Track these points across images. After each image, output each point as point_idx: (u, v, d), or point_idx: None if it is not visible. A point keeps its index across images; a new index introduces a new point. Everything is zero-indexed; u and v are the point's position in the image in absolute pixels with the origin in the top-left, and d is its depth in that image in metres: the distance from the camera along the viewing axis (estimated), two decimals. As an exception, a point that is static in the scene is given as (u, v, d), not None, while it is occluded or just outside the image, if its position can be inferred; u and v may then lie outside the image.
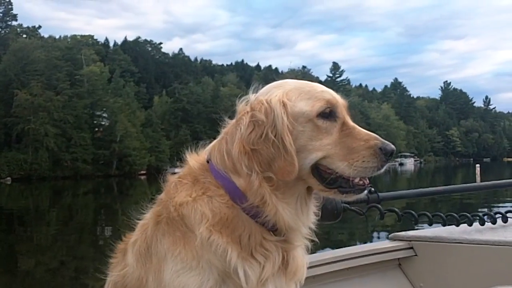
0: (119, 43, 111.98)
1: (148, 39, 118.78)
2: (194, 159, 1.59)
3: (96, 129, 76.07)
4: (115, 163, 73.12)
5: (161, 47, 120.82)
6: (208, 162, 1.54)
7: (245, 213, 1.45)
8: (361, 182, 1.48)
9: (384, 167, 1.44)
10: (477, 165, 35.25)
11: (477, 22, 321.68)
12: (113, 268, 1.66)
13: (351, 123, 1.51)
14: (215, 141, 1.57)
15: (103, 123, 76.87)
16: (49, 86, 67.84)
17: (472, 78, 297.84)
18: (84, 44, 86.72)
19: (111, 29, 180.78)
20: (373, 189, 2.76)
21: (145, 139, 77.48)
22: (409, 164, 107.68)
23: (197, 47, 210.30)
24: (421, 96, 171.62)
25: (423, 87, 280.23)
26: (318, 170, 1.47)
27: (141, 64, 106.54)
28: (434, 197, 18.30)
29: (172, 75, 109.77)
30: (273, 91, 1.52)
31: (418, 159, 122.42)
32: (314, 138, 1.45)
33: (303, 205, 1.51)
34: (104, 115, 76.16)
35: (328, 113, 1.47)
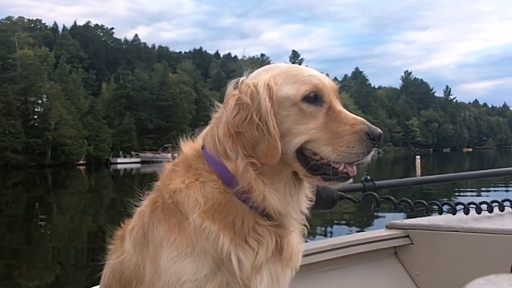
0: (69, 27, 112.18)
1: (99, 24, 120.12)
2: (189, 146, 1.65)
3: (31, 116, 74.48)
4: (50, 153, 72.20)
5: (113, 33, 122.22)
6: (203, 148, 1.60)
7: (237, 198, 1.51)
8: (345, 170, 1.52)
9: (371, 153, 1.49)
10: (417, 157, 36.36)
11: (441, 13, 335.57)
12: (111, 255, 1.72)
13: (338, 107, 1.55)
14: (208, 126, 1.63)
15: (37, 110, 75.30)
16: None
17: (436, 69, 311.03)
18: (21, 27, 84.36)
19: (74, 16, 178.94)
20: (369, 177, 2.91)
21: (83, 127, 76.78)
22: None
23: (163, 36, 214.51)
24: (384, 86, 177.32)
25: (389, 77, 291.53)
26: (303, 155, 1.52)
27: (91, 50, 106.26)
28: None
29: (124, 62, 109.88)
30: (261, 75, 1.58)
31: (376, 149, 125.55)
32: (299, 122, 1.51)
33: (292, 190, 1.56)
34: (39, 101, 74.57)
35: (313, 97, 1.52)
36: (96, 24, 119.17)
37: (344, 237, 3.06)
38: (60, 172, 59.72)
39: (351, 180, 1.56)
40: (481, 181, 27.95)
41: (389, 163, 76.46)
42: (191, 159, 1.60)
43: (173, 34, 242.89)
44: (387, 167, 62.23)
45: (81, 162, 76.42)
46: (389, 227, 3.24)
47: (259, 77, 1.57)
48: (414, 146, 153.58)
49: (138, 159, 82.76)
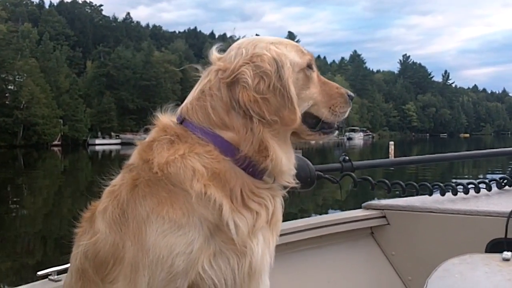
0: (55, 4, 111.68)
1: (88, 0, 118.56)
2: (170, 119, 1.67)
3: (5, 94, 73.22)
4: (21, 133, 71.45)
5: (102, 10, 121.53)
6: (181, 122, 1.63)
7: (237, 165, 1.58)
8: (334, 122, 1.75)
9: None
10: (391, 143, 38.31)
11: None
12: (81, 238, 1.70)
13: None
14: (187, 101, 1.66)
15: (11, 87, 74.15)
16: None
17: (438, 54, 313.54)
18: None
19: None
20: (347, 157, 3.07)
21: (58, 106, 75.86)
22: (358, 138, 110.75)
23: (163, 16, 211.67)
24: (383, 70, 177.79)
25: (390, 62, 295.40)
26: (305, 117, 1.68)
27: (78, 27, 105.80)
28: (389, 170, 19.34)
29: (113, 40, 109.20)
30: (259, 44, 1.65)
31: (369, 133, 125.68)
32: (305, 87, 1.67)
33: (291, 151, 1.70)
34: (11, 78, 73.47)
35: (311, 64, 1.70)
36: (84, 1, 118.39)
37: (321, 216, 3.22)
38: (32, 153, 58.91)
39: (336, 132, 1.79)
40: (478, 166, 28.24)
41: (384, 147, 76.67)
42: (178, 131, 1.61)
43: (173, 15, 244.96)
44: (382, 151, 62.52)
45: (56, 143, 75.35)
46: (366, 207, 3.37)
47: (261, 46, 1.63)
48: (411, 131, 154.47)
49: (118, 141, 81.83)
